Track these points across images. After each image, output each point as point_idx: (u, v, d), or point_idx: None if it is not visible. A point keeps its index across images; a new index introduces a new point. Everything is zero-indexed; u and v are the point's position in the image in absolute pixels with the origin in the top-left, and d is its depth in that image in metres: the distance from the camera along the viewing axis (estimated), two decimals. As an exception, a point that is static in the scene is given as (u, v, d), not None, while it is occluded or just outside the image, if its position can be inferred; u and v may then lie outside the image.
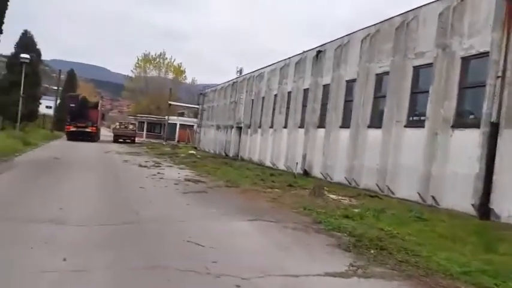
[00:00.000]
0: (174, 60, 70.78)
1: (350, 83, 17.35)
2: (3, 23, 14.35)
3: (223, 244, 5.93)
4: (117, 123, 46.12)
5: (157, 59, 70.06)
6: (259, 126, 26.20)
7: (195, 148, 40.75)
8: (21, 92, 27.39)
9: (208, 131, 39.38)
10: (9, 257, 4.70)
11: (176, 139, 55.09)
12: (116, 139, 41.40)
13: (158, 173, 14.85)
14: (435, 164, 11.97)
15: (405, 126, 13.49)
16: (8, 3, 14.27)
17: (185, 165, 19.65)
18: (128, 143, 40.72)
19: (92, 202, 8.50)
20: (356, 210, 9.41)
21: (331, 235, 6.95)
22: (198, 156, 25.69)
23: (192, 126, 53.23)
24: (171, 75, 70.07)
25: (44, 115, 55.02)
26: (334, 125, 17.74)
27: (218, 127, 35.50)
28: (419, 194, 12.26)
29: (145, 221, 7.06)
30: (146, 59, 70.04)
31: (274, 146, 23.11)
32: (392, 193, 13.38)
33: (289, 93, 22.63)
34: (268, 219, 7.88)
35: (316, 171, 18.49)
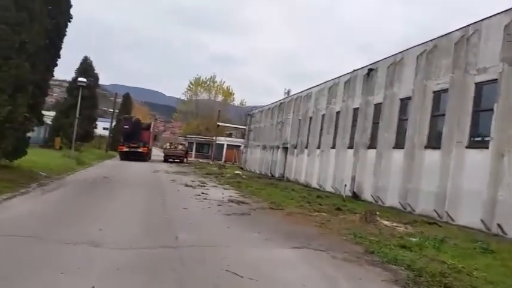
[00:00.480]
0: (224, 82, 72.28)
1: (404, 101, 16.45)
2: (61, 48, 14.99)
3: (264, 275, 5.39)
4: (168, 144, 47.25)
5: (208, 82, 71.84)
6: (306, 147, 25.57)
7: (241, 168, 40.64)
8: (77, 114, 28.65)
9: (255, 151, 39.22)
10: (37, 284, 4.46)
11: (223, 159, 55.51)
12: (166, 159, 42.26)
13: (202, 193, 14.62)
14: (501, 188, 10.79)
15: (467, 147, 12.38)
16: (67, 29, 14.89)
17: (230, 185, 19.36)
18: (178, 162, 41.38)
19: (133, 223, 8.30)
20: (413, 239, 8.51)
21: (387, 268, 6.18)
22: (244, 176, 25.41)
23: (239, 146, 53.48)
24: (220, 98, 71.47)
25: (101, 136, 57.71)
26: (386, 146, 16.79)
27: (264, 147, 35.22)
28: (482, 222, 11.06)
29: (184, 245, 6.69)
30: (197, 83, 72.02)
31: (321, 167, 22.34)
32: (452, 220, 12.21)
33: (338, 113, 21.94)
34: (315, 247, 7.23)
35: (367, 194, 17.50)
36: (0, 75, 10.90)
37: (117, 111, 59.95)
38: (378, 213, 11.38)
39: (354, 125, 20.09)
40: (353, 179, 18.58)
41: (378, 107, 18.28)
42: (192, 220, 9.05)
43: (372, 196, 16.86)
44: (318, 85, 25.56)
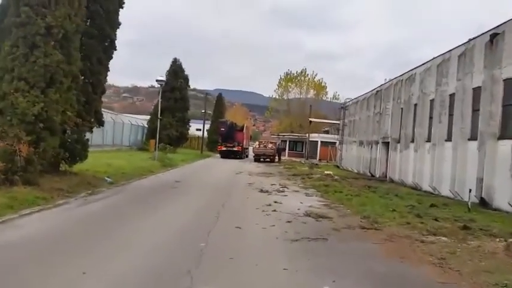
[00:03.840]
0: (316, 75, 68.14)
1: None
2: (115, 38, 13.40)
3: None
4: (257, 143, 45.45)
5: (299, 77, 68.61)
6: (412, 141, 21.08)
7: (337, 167, 36.86)
8: (159, 115, 27.86)
9: (350, 147, 35.08)
10: None
11: (318, 157, 51.96)
12: (257, 158, 40.69)
13: (275, 202, 11.66)
14: None
15: None
16: (118, 16, 13.21)
17: (315, 189, 16.09)
18: (268, 162, 39.38)
19: (145, 258, 5.67)
20: None
21: None
22: (336, 177, 21.82)
23: (334, 143, 49.44)
24: (312, 92, 67.75)
25: (198, 137, 58.52)
26: (527, 134, 12.08)
27: (361, 143, 30.97)
28: None
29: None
30: (288, 78, 69.32)
31: (434, 165, 17.81)
32: None
33: (452, 95, 17.29)
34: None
35: (501, 202, 12.88)
36: (27, 67, 9.28)
37: (210, 112, 60.88)
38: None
39: (475, 110, 15.40)
40: (480, 180, 13.96)
41: (509, 83, 13.55)
42: (235, 251, 6.12)
43: (510, 204, 12.23)
44: (422, 64, 20.87)
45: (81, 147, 13.51)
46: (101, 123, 14.45)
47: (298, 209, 10.51)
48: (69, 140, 13.23)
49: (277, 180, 19.37)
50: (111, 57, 13.83)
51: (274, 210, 10.11)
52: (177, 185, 15.20)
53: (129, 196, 11.92)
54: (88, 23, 13.12)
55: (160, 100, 31.59)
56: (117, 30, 13.81)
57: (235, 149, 42.36)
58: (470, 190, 12.96)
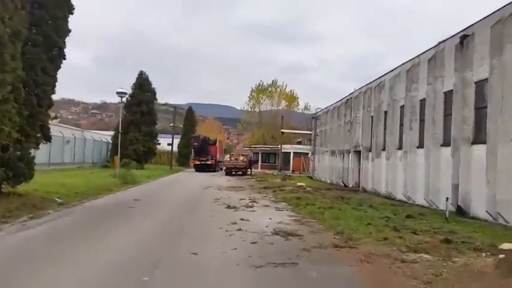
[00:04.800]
0: (286, 86, 67.93)
1: (525, 73, 11.26)
2: (64, 46, 12.23)
3: None
4: (228, 156, 44.44)
5: (270, 88, 68.22)
6: (383, 149, 20.62)
7: (311, 178, 36.23)
8: (120, 129, 26.34)
9: (323, 157, 34.54)
10: None
11: (291, 168, 51.29)
12: (229, 172, 39.54)
13: (242, 219, 10.61)
14: None
15: None
16: (68, 23, 12.04)
17: (287, 202, 15.18)
18: (240, 175, 38.38)
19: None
20: None
21: None
22: (309, 188, 21.03)
23: (307, 154, 49.02)
24: (283, 104, 67.42)
25: (168, 152, 56.76)
26: (502, 138, 11.67)
27: (333, 153, 30.46)
28: None
29: None
30: (259, 90, 68.82)
31: (407, 173, 17.29)
32: None
33: (422, 101, 16.92)
34: None
35: (478, 209, 12.35)
36: None
37: (181, 126, 59.51)
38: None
39: (447, 115, 15.01)
40: (455, 188, 13.44)
41: (481, 85, 13.22)
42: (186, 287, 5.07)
43: (488, 212, 11.69)
44: (391, 70, 20.54)
45: (26, 165, 12.09)
46: (48, 138, 13.06)
47: (266, 227, 9.51)
48: (11, 158, 11.85)
49: (246, 195, 18.35)
50: (59, 67, 12.56)
51: (239, 229, 9.06)
52: (135, 204, 13.90)
53: (77, 219, 10.57)
54: (33, 30, 11.94)
55: (123, 114, 30.01)
56: (66, 38, 12.60)
57: (208, 162, 43.51)
58: (447, 199, 12.35)
